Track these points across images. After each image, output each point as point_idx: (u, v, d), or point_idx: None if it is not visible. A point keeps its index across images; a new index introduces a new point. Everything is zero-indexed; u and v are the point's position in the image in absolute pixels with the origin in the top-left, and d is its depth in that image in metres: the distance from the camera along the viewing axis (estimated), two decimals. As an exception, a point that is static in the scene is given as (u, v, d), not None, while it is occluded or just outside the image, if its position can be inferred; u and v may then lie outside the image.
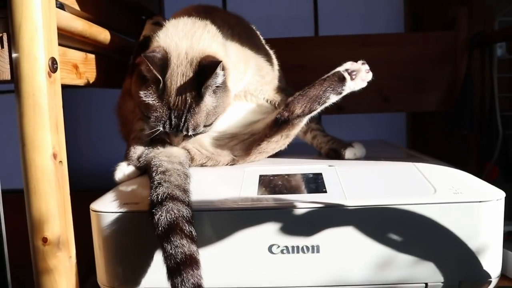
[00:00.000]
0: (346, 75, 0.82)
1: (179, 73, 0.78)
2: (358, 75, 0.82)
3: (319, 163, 0.87)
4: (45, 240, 0.69)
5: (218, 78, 0.78)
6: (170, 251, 0.62)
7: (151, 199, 0.68)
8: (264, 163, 0.91)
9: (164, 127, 0.78)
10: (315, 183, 0.78)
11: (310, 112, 0.83)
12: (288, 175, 0.82)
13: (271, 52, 0.99)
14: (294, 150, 0.98)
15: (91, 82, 0.95)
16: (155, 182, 0.70)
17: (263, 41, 0.99)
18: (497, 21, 1.35)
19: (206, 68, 0.76)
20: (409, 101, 1.42)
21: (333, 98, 0.83)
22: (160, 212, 0.65)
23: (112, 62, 1.07)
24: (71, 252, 0.72)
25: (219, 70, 0.76)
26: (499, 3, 1.36)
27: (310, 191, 0.75)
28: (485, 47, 1.34)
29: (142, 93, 0.78)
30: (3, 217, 0.82)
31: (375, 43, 1.40)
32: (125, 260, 0.72)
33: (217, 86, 0.79)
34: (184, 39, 0.80)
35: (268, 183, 0.78)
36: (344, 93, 0.83)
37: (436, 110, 1.42)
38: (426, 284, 0.70)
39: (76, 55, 0.89)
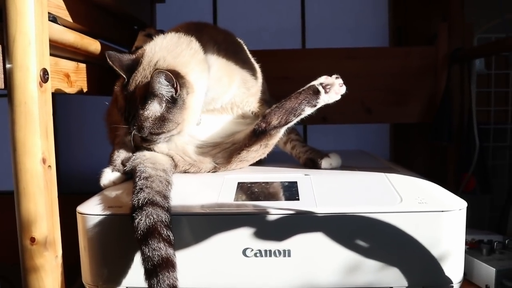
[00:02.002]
0: (320, 88, 0.87)
1: (142, 75, 0.85)
2: (332, 89, 0.87)
3: (296, 172, 0.92)
4: (33, 240, 0.73)
5: (162, 88, 0.81)
6: (148, 254, 0.66)
7: (133, 203, 0.72)
8: (244, 171, 0.95)
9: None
10: (290, 191, 0.82)
11: (286, 123, 0.88)
12: (265, 182, 0.87)
13: (256, 65, 1.03)
14: (275, 159, 1.02)
15: (82, 90, 1.00)
16: (137, 187, 0.74)
17: (250, 55, 1.04)
18: (476, 37, 1.40)
19: (154, 75, 0.81)
20: (391, 113, 1.47)
21: (308, 111, 0.88)
22: (140, 217, 0.69)
23: (103, 70, 1.12)
24: (57, 251, 0.76)
25: (163, 80, 0.80)
26: (478, 21, 1.42)
27: (284, 198, 0.80)
28: (464, 62, 1.40)
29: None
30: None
31: (359, 56, 1.44)
32: (109, 260, 0.76)
33: (169, 100, 0.83)
34: (163, 51, 0.86)
35: (245, 190, 0.83)
36: (319, 105, 0.88)
37: (416, 122, 1.47)
38: (391, 288, 0.75)
39: (67, 65, 0.93)
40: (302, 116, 0.88)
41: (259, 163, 0.99)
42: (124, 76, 0.86)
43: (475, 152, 1.34)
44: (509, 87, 1.43)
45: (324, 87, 0.87)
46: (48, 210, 0.75)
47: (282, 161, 1.04)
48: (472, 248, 0.95)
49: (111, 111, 1.04)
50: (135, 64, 0.86)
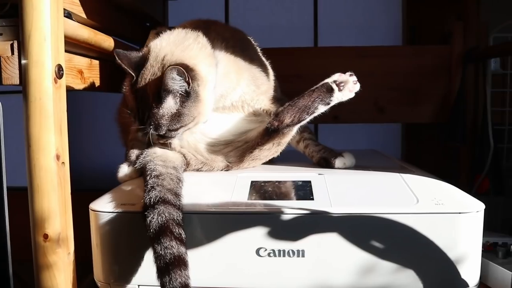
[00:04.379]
0: (334, 86, 0.85)
1: (150, 72, 0.84)
2: (345, 86, 0.85)
3: (309, 171, 0.91)
4: (46, 236, 0.73)
5: (176, 83, 0.81)
6: (160, 252, 0.66)
7: (144, 201, 0.72)
8: (256, 169, 0.94)
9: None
10: (304, 190, 0.81)
11: (299, 121, 0.87)
12: (278, 181, 0.86)
13: (267, 63, 1.02)
14: (287, 158, 1.02)
15: (95, 86, 0.99)
16: (148, 186, 0.74)
17: (260, 53, 1.03)
18: (491, 37, 1.38)
19: (167, 72, 0.80)
20: (404, 113, 1.45)
21: (322, 109, 0.87)
22: (152, 215, 0.69)
23: (116, 67, 1.11)
24: (70, 248, 0.76)
25: (174, 75, 0.80)
26: (494, 20, 1.39)
27: (298, 197, 0.79)
28: (479, 62, 1.38)
29: (123, 85, 0.87)
30: (7, 214, 0.85)
31: (372, 55, 1.43)
32: (121, 258, 0.76)
33: (183, 94, 0.82)
34: (170, 45, 0.85)
35: (259, 189, 0.82)
36: (332, 103, 0.87)
37: (429, 122, 1.45)
38: (407, 290, 0.74)
39: (81, 61, 0.93)
40: (315, 114, 0.87)
41: (271, 161, 0.99)
42: (132, 74, 0.85)
43: (489, 153, 1.32)
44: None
45: (338, 85, 0.86)
46: (61, 207, 0.75)
47: (294, 160, 1.03)
48: (487, 251, 0.93)
49: (121, 111, 1.04)
50: (142, 61, 0.86)
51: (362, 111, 1.43)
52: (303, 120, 0.87)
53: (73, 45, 0.88)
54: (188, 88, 0.82)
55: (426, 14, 1.60)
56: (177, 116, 0.83)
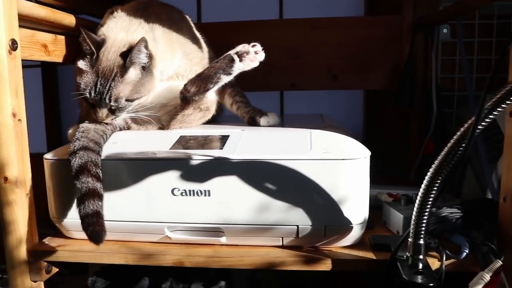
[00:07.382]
0: (235, 57, 0.95)
1: (112, 50, 0.95)
2: (247, 57, 0.94)
3: (235, 129, 1.02)
4: (5, 179, 0.91)
5: (142, 55, 0.94)
6: (78, 186, 0.81)
7: (71, 150, 0.87)
8: (194, 127, 1.07)
9: (90, 93, 0.94)
10: (219, 142, 0.94)
11: (206, 90, 0.97)
12: (203, 136, 0.99)
13: (200, 38, 1.15)
14: (230, 120, 1.16)
15: (61, 59, 1.15)
16: (75, 138, 0.90)
17: (194, 29, 1.15)
18: (441, 6, 1.43)
19: (133, 46, 0.94)
20: (356, 80, 1.54)
21: (225, 78, 0.97)
22: (74, 159, 0.85)
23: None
24: (27, 190, 0.94)
25: (142, 47, 0.93)
26: (444, -11, 1.45)
27: (211, 148, 0.92)
28: (428, 30, 1.44)
29: (79, 62, 0.96)
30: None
31: (328, 26, 1.50)
32: (67, 197, 0.92)
33: (142, 67, 0.95)
34: (121, 31, 0.98)
35: (183, 142, 0.96)
36: (234, 73, 0.96)
37: (380, 88, 1.54)
38: (298, 226, 0.86)
39: (45, 37, 1.08)
40: (220, 83, 0.98)
41: (217, 122, 1.12)
42: (94, 50, 0.94)
43: (432, 117, 1.40)
44: (474, 55, 1.47)
45: (239, 56, 0.94)
46: (18, 156, 0.92)
47: (236, 121, 1.15)
48: (395, 200, 1.04)
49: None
50: (101, 42, 0.96)
51: (317, 78, 1.52)
52: (210, 89, 0.97)
53: (34, 23, 1.03)
54: (147, 62, 0.95)
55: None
56: (137, 87, 0.95)
